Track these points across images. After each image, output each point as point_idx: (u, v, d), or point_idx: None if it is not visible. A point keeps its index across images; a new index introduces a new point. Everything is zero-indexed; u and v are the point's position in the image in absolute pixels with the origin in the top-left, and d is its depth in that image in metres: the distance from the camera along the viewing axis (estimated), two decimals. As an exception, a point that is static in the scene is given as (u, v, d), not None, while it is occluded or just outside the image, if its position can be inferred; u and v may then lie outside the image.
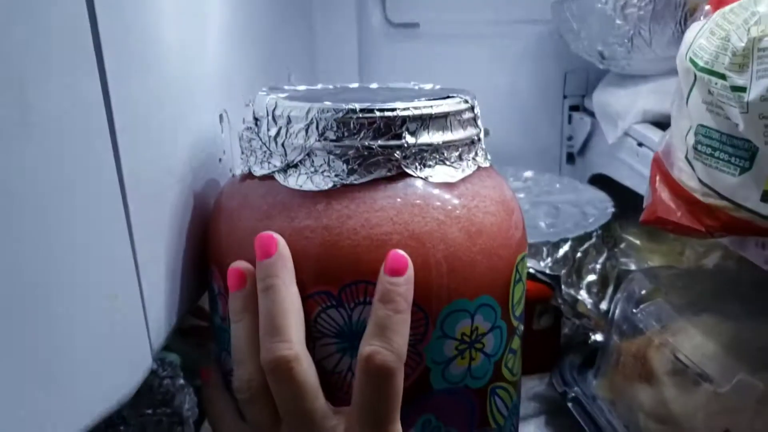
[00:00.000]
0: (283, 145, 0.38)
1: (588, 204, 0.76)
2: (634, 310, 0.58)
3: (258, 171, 0.40)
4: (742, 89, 0.36)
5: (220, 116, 0.48)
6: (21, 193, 0.26)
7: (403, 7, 0.97)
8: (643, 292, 0.59)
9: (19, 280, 0.26)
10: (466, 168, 0.40)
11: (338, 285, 0.37)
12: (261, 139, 0.40)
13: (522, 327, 0.45)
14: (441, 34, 0.97)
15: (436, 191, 0.39)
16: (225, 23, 0.51)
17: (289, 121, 0.38)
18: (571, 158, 0.99)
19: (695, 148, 0.41)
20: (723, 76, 0.37)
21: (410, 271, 0.36)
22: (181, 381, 0.64)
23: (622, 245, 0.72)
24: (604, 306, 0.69)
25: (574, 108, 0.98)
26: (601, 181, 0.85)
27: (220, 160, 0.48)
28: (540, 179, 0.86)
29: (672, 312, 0.57)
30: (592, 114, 0.88)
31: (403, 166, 0.38)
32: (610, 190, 0.80)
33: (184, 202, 0.41)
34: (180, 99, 0.41)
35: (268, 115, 0.39)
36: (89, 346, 0.31)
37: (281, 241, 0.37)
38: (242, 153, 0.42)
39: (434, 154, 0.39)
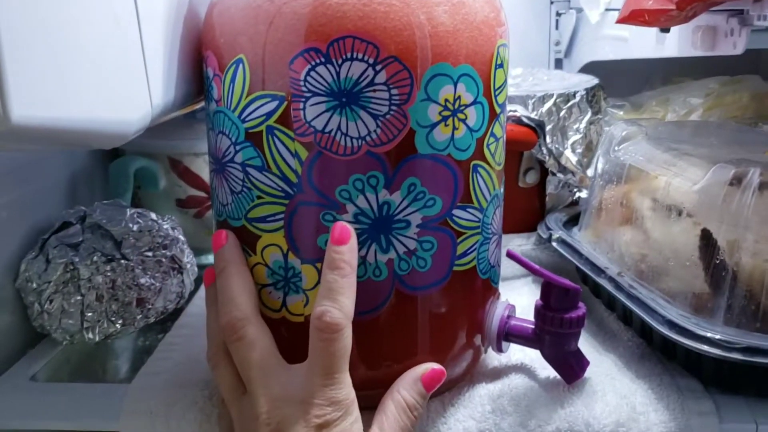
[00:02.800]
0: None
1: (575, 86, 0.78)
2: (616, 148, 0.60)
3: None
4: None
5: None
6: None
7: None
8: (624, 133, 0.61)
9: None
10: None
11: (326, 40, 0.39)
12: None
13: (503, 117, 0.47)
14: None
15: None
16: None
17: None
18: (558, 64, 1.01)
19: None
20: None
21: (353, 240, 0.40)
22: (182, 237, 0.66)
23: (606, 117, 0.74)
24: (590, 172, 0.72)
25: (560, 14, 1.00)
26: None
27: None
28: (528, 74, 0.88)
29: (653, 148, 0.59)
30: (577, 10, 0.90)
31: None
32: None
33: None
34: None
35: None
36: (97, 72, 0.33)
37: (230, 234, 0.44)
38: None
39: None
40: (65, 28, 0.30)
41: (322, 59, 0.39)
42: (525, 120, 0.63)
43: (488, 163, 0.45)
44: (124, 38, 0.35)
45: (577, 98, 0.68)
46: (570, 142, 0.68)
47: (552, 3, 1.00)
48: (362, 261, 0.42)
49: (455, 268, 0.45)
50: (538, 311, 0.47)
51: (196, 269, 0.66)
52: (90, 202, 0.63)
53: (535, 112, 0.65)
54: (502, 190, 0.48)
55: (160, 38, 0.40)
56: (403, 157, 0.41)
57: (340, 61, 0.39)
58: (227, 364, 0.43)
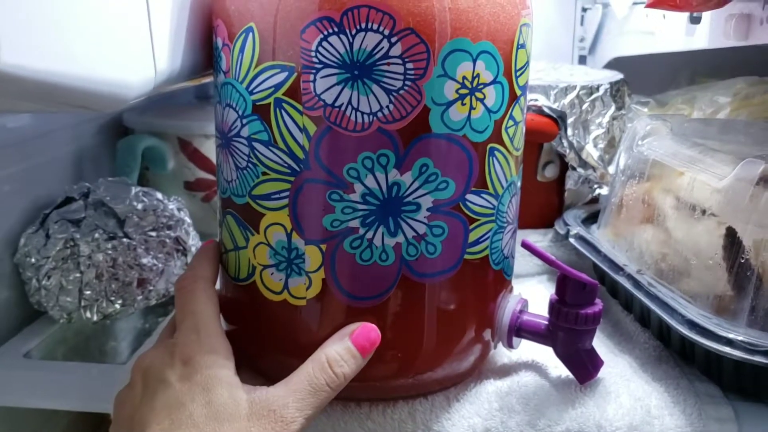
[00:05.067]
0: None
1: (599, 80, 0.76)
2: (640, 143, 0.58)
3: None
4: None
5: None
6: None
7: None
8: (649, 127, 0.59)
9: None
10: None
11: (340, 9, 0.37)
12: None
13: (524, 101, 0.45)
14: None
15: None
16: None
17: None
18: (582, 61, 0.99)
19: None
20: None
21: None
22: (188, 219, 0.64)
23: (630, 114, 0.72)
24: (611, 169, 0.69)
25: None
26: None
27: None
28: (551, 69, 0.86)
29: (678, 144, 0.56)
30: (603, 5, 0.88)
31: None
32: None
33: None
34: None
35: None
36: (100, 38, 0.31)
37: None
38: None
39: None
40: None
41: (335, 29, 0.37)
42: (546, 110, 0.61)
43: (506, 148, 0.43)
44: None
45: (601, 91, 0.66)
46: (592, 136, 0.66)
47: (578, -1, 0.98)
48: (369, 244, 0.40)
49: (466, 257, 0.43)
50: (553, 306, 0.45)
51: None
52: (95, 181, 0.62)
53: (557, 103, 0.63)
54: (519, 178, 0.46)
55: (168, 1, 0.38)
56: (416, 135, 0.39)
57: (353, 32, 0.37)
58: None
